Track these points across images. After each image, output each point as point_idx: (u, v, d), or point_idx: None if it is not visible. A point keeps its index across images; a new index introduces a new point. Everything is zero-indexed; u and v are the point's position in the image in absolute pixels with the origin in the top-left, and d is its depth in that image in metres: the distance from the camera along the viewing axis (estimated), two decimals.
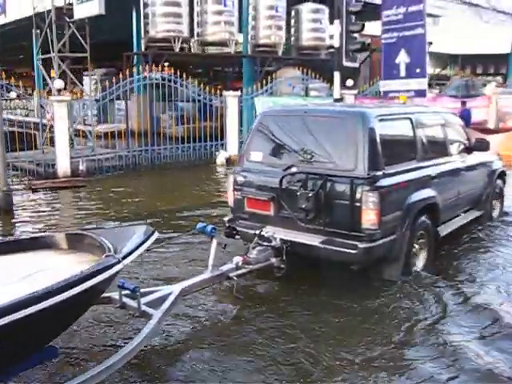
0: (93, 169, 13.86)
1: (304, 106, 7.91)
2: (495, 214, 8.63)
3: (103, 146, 15.35)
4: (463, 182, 7.29)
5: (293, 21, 18.36)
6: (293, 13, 18.44)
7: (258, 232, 5.74)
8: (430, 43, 41.81)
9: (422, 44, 13.54)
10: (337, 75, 12.97)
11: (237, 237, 6.10)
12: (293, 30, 18.44)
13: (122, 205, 10.45)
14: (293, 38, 18.45)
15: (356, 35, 13.24)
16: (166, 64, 15.05)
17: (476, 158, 7.74)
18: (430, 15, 22.56)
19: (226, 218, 6.57)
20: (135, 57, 17.65)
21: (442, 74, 28.98)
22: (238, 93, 15.75)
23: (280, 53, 17.30)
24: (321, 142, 5.94)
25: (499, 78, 32.34)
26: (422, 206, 6.08)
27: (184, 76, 14.63)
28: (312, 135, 6.05)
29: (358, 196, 5.37)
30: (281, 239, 5.65)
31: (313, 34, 18.98)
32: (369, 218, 5.37)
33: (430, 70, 35.82)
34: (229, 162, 15.38)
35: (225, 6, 16.06)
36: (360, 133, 5.56)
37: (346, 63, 12.68)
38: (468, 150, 7.63)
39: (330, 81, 18.76)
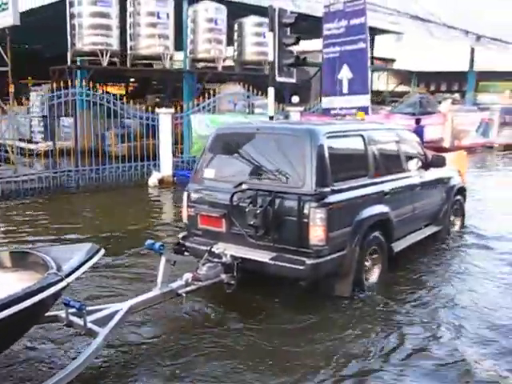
0: (13, 191, 12.70)
1: (256, 124, 7.91)
2: (455, 229, 8.72)
3: (43, 165, 14.18)
4: (419, 197, 7.36)
5: (236, 34, 17.45)
6: (236, 26, 17.54)
7: (208, 248, 5.71)
8: (393, 60, 41.76)
9: (364, 59, 12.85)
10: (271, 91, 12.01)
11: (186, 253, 6.08)
12: (236, 44, 17.53)
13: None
14: (236, 53, 17.54)
15: (292, 48, 12.32)
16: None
17: (433, 174, 7.83)
18: (391, 32, 22.14)
19: (180, 235, 6.63)
20: (78, 71, 16.42)
21: (400, 91, 28.45)
22: (171, 110, 14.74)
23: (220, 68, 16.37)
24: (271, 159, 6.01)
25: (457, 95, 32.09)
26: (374, 222, 6.14)
27: (107, 92, 13.56)
28: (263, 152, 6.13)
29: (305, 212, 5.45)
30: (231, 256, 5.64)
31: (256, 48, 17.91)
32: (316, 234, 5.44)
33: (390, 86, 35.61)
34: (162, 183, 14.40)
35: (158, 18, 15.07)
36: (308, 150, 5.63)
37: (279, 78, 11.76)
38: (425, 166, 7.66)
39: (277, 97, 18.02)
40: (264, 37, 17.80)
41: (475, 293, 6.30)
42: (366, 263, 6.18)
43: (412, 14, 21.24)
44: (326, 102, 13.93)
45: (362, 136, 6.47)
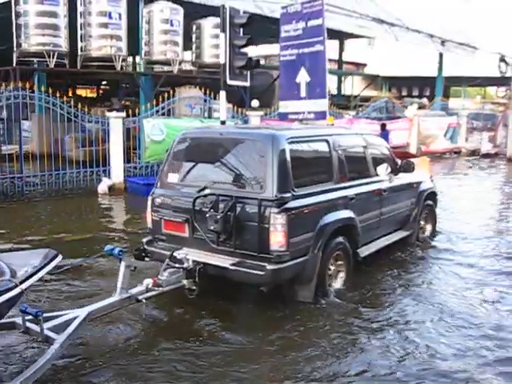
0: None
1: (220, 128, 7.88)
2: (426, 234, 8.68)
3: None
4: (387, 202, 7.35)
5: (194, 36, 16.78)
6: (194, 28, 16.89)
7: (169, 253, 5.68)
8: (365, 65, 41.56)
9: (322, 62, 12.25)
10: (222, 95, 11.47)
11: (146, 259, 5.94)
12: (194, 46, 16.88)
13: None
14: (194, 55, 16.88)
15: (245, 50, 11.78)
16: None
17: (403, 179, 7.80)
18: (360, 36, 21.69)
19: (144, 240, 6.51)
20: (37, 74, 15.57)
21: (369, 96, 28.09)
22: (122, 114, 14.07)
23: (176, 70, 15.68)
24: (234, 164, 6.01)
25: (425, 100, 31.92)
26: (338, 228, 6.11)
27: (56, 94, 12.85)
28: (226, 157, 6.12)
29: (266, 218, 5.41)
30: (193, 261, 5.61)
31: (215, 50, 17.12)
32: (277, 239, 5.41)
33: (363, 91, 35.36)
34: (112, 190, 13.64)
35: (110, 18, 14.39)
36: (269, 155, 5.57)
37: (230, 82, 11.22)
38: (394, 171, 7.57)
39: (237, 101, 17.45)
40: None
41: (439, 300, 6.21)
42: (331, 268, 6.14)
43: (382, 18, 20.84)
44: (283, 106, 13.39)
45: (326, 141, 6.44)
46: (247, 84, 11.81)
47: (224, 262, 5.63)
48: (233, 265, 5.55)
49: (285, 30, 12.95)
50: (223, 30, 11.22)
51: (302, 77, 12.48)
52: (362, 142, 7.35)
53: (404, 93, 44.45)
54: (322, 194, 6.05)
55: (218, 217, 5.55)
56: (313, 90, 12.29)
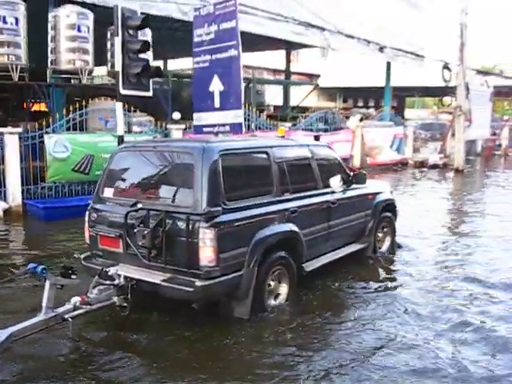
0: None
1: (155, 141, 7.71)
2: (384, 247, 8.45)
3: None
4: (337, 215, 7.17)
5: (109, 44, 15.28)
6: (108, 34, 15.40)
7: (99, 270, 5.63)
8: (318, 76, 40.60)
9: (237, 69, 11.09)
10: (119, 106, 10.13)
11: (73, 277, 5.44)
12: (109, 54, 15.37)
13: None
14: (109, 64, 15.40)
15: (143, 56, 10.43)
16: None
17: (355, 190, 7.65)
18: (318, 47, 20.14)
19: (82, 255, 6.45)
20: None
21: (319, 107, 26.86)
22: (19, 129, 12.55)
23: (85, 80, 14.18)
24: (166, 177, 5.98)
25: (371, 110, 31.11)
26: (277, 241, 5.98)
27: None
28: (159, 170, 6.07)
29: (195, 232, 5.30)
30: (125, 277, 5.51)
31: None
32: (206, 255, 5.30)
33: (319, 102, 34.36)
34: (8, 214, 12.02)
35: (4, 23, 12.75)
36: (199, 167, 5.46)
37: (124, 91, 9.88)
38: (346, 182, 7.43)
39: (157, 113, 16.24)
40: None
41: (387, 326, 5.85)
42: (271, 283, 6.01)
43: (331, 29, 19.63)
44: (197, 118, 12.13)
45: (266, 153, 6.30)
46: (149, 94, 10.44)
47: (156, 277, 5.50)
48: (164, 281, 5.43)
49: (197, 34, 11.77)
50: (117, 34, 9.92)
51: (216, 85, 11.37)
52: (308, 153, 7.13)
53: (360, 104, 43.93)
54: (259, 208, 5.89)
55: (145, 232, 5.43)
56: (227, 100, 11.17)
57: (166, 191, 5.89)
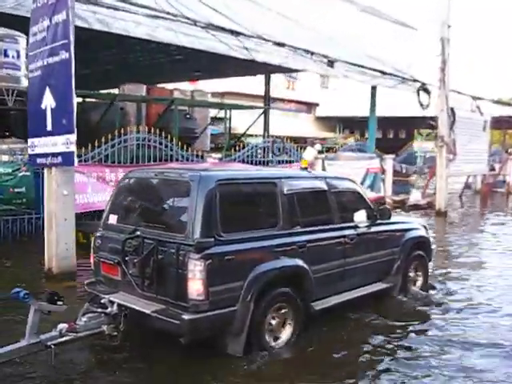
0: None
1: (158, 168, 7.40)
2: (415, 287, 7.93)
3: None
4: (355, 252, 6.82)
5: None
6: None
7: (90, 297, 5.74)
8: (317, 104, 39.11)
9: (68, 77, 7.89)
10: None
11: (59, 303, 5.22)
12: None
13: None
14: None
15: None
16: None
17: (382, 226, 7.34)
18: (293, 70, 17.84)
19: (86, 281, 6.43)
20: None
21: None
22: None
23: None
24: (164, 205, 6.07)
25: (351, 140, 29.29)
26: (279, 277, 5.76)
27: None
28: (158, 197, 6.16)
29: (184, 263, 5.15)
30: (119, 305, 5.45)
31: None
32: (195, 287, 5.11)
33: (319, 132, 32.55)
34: None
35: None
36: (194, 196, 5.35)
37: None
38: (371, 217, 7.14)
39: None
40: None
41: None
42: (272, 321, 5.72)
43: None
44: (31, 145, 8.89)
45: (274, 184, 6.11)
46: None
47: (147, 307, 5.34)
48: (154, 311, 5.25)
49: (33, 32, 8.62)
50: None
51: (48, 100, 8.26)
52: (323, 185, 6.82)
53: (357, 134, 42.28)
54: (259, 241, 5.67)
55: (135, 260, 5.43)
56: (59, 120, 8.13)
57: (162, 219, 5.85)
